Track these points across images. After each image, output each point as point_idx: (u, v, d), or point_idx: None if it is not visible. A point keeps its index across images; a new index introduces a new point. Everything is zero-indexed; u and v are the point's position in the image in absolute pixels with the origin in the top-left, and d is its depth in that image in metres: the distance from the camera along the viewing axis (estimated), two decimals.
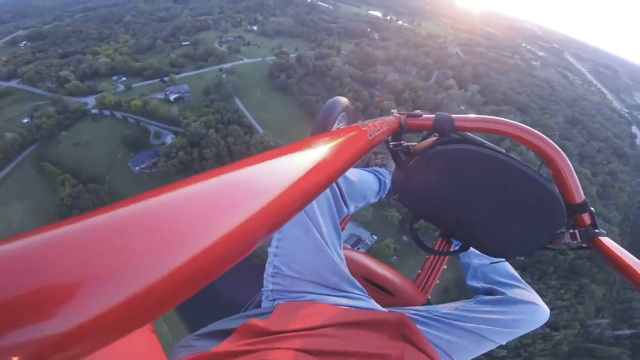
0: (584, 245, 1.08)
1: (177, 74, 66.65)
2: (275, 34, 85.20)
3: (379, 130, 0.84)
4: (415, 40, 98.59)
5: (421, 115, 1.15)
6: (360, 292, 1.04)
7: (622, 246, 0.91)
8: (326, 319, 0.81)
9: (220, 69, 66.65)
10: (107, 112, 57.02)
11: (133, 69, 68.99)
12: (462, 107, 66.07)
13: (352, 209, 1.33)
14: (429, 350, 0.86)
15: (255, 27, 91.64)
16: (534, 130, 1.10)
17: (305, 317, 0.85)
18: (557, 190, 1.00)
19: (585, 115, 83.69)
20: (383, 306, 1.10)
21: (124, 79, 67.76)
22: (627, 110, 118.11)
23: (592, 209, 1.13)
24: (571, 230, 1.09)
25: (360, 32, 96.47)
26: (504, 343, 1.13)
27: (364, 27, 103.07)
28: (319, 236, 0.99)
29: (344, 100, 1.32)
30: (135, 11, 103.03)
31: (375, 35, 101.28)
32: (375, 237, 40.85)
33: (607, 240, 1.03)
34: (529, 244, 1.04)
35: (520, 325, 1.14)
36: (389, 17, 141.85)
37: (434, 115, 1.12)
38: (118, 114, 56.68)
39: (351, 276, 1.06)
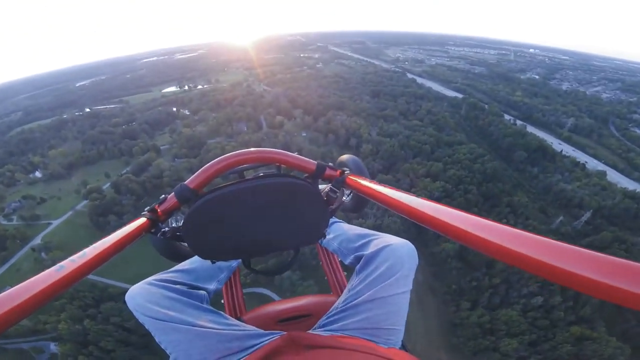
0: (351, 193, 1.29)
1: None
2: (68, 170, 66.01)
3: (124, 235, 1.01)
4: (223, 97, 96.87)
5: (166, 198, 1.25)
6: (269, 337, 1.10)
7: None
8: None
9: (33, 249, 47.19)
10: None
11: None
12: (304, 134, 67.70)
13: (213, 286, 1.44)
14: (332, 342, 0.95)
15: (38, 173, 69.16)
16: (251, 149, 1.32)
17: None
18: (295, 174, 1.22)
19: (377, 85, 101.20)
20: (309, 328, 1.23)
21: None
22: (393, 66, 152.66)
23: (331, 163, 1.39)
24: (329, 188, 1.33)
25: (168, 116, 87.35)
26: (405, 289, 1.21)
27: (167, 109, 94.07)
28: (189, 327, 1.07)
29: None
30: None
31: (185, 111, 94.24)
32: None
33: (352, 179, 1.27)
34: (320, 215, 1.20)
35: (397, 269, 1.21)
36: (186, 87, 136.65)
37: (173, 192, 1.22)
38: None
39: (254, 330, 1.15)
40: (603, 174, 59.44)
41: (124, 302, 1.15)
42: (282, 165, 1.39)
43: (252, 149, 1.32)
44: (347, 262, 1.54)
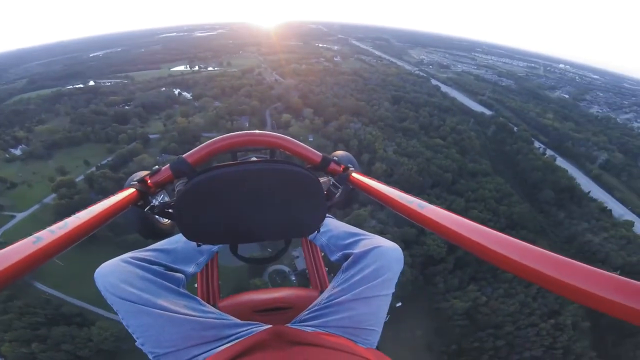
0: (351, 188, 1.27)
1: None
2: (49, 150, 58.61)
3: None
4: (231, 84, 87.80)
5: (159, 170, 1.15)
6: (247, 327, 1.06)
7: None
8: None
9: None
10: None
11: None
12: (310, 138, 58.82)
13: (191, 269, 1.35)
14: (316, 339, 0.91)
15: (18, 150, 61.94)
16: (254, 131, 1.23)
17: None
18: (299, 163, 1.15)
19: (399, 90, 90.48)
20: (288, 321, 1.17)
21: None
22: (417, 69, 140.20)
23: (335, 158, 1.35)
24: (331, 182, 1.29)
25: (167, 100, 78.87)
26: (388, 292, 1.17)
27: (169, 93, 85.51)
28: (163, 311, 0.99)
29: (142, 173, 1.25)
30: None
31: (188, 94, 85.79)
32: None
33: (356, 176, 1.23)
34: (319, 209, 1.13)
35: (384, 271, 1.17)
36: (196, 68, 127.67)
37: (168, 165, 1.14)
38: None
39: (231, 319, 1.09)
40: (630, 225, 50.44)
41: (96, 284, 1.01)
42: (281, 152, 1.31)
43: (257, 131, 1.24)
44: (333, 258, 1.50)
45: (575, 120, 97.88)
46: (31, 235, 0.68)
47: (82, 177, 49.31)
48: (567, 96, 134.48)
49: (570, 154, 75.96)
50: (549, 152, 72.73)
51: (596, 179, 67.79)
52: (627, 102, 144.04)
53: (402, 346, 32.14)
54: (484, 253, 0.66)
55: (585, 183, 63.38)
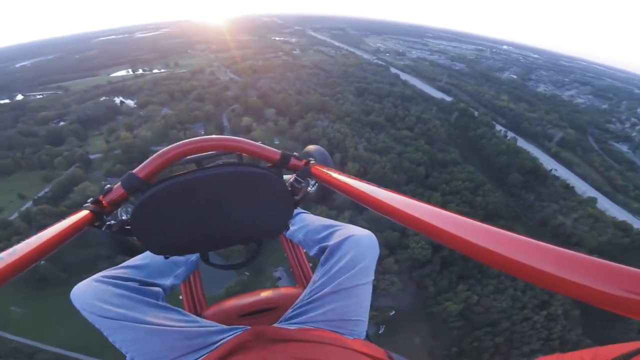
0: (315, 182, 1.27)
1: None
2: None
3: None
4: (180, 87, 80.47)
5: (111, 189, 1.12)
6: (232, 332, 1.06)
7: None
8: None
9: None
10: None
11: None
12: (277, 141, 55.11)
13: (169, 282, 1.33)
14: (300, 335, 0.92)
15: None
16: (211, 136, 1.20)
17: None
18: (260, 164, 1.18)
19: (361, 81, 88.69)
20: (275, 321, 1.18)
21: None
22: (375, 57, 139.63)
23: (296, 153, 1.34)
24: (293, 178, 1.28)
25: (107, 111, 69.93)
26: (368, 280, 1.20)
27: (109, 103, 76.16)
28: (144, 325, 0.99)
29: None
30: None
31: (131, 102, 77.07)
32: None
33: (318, 169, 1.21)
34: (284, 206, 1.13)
35: (359, 260, 1.19)
36: (139, 71, 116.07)
37: (120, 182, 1.11)
38: None
39: (216, 326, 1.08)
40: (594, 202, 53.17)
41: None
42: (244, 155, 1.32)
43: (212, 136, 1.22)
44: (312, 253, 1.50)
45: (527, 100, 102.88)
46: None
47: (16, 214, 41.56)
48: (515, 77, 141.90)
49: (529, 134, 79.58)
50: (510, 134, 75.52)
51: (556, 157, 71.31)
52: (567, 80, 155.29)
53: (403, 355, 30.62)
54: (432, 232, 0.64)
55: (546, 162, 65.77)
